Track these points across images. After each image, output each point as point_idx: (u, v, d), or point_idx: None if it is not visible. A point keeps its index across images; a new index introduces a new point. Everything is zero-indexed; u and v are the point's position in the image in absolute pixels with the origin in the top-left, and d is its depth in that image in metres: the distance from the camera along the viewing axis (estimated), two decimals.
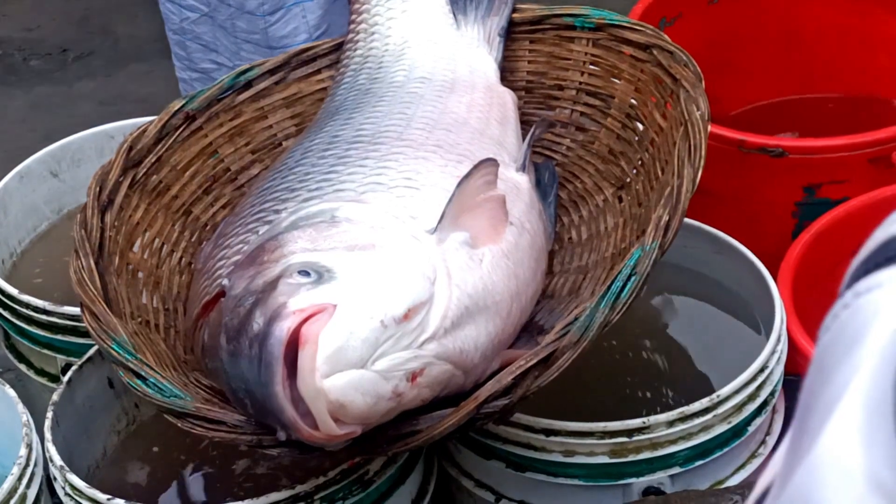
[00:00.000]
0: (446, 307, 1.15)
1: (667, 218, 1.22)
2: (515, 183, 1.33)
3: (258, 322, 1.11)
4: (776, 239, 1.69)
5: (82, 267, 1.31)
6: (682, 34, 1.62)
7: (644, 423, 1.28)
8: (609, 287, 1.18)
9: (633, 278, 1.18)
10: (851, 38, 1.95)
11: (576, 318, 1.17)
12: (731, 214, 1.66)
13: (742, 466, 1.37)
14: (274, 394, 1.07)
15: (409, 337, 1.12)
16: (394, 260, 1.17)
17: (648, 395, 1.49)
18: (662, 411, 1.39)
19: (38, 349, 1.52)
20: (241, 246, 1.27)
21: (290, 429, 1.08)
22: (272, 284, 1.14)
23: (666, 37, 1.42)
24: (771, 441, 1.40)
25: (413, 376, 1.12)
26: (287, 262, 1.17)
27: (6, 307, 1.52)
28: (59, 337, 1.49)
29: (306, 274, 1.14)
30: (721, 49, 1.93)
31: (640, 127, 1.42)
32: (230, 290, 1.18)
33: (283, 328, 1.09)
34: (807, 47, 1.97)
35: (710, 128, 1.30)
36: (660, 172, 1.34)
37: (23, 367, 1.58)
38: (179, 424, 1.17)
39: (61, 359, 1.50)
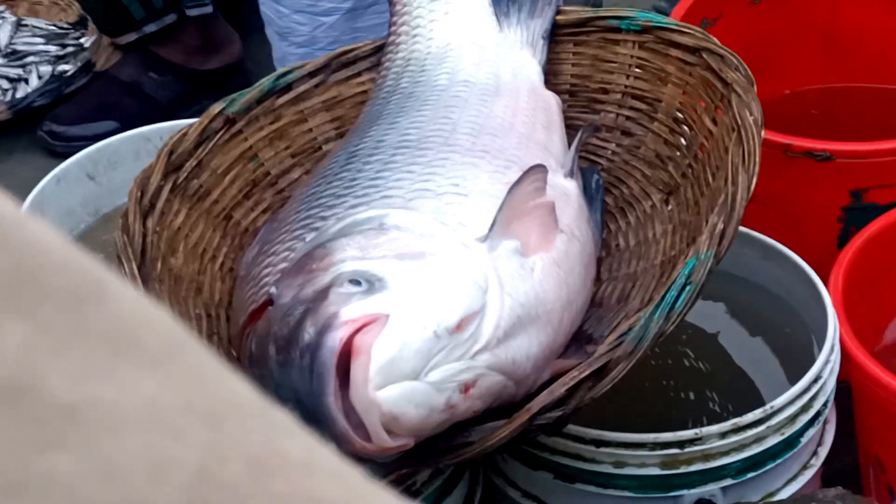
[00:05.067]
0: (499, 317, 1.13)
1: (722, 226, 1.20)
2: (564, 189, 1.31)
3: (309, 332, 1.09)
4: (821, 244, 1.67)
5: (125, 273, 1.29)
6: (723, 35, 1.59)
7: (696, 434, 1.26)
8: (663, 297, 1.16)
9: (687, 287, 1.16)
10: (894, 38, 1.92)
11: (630, 329, 1.15)
12: (775, 219, 1.63)
13: (794, 478, 1.35)
14: (326, 405, 1.06)
15: (462, 348, 1.10)
16: (445, 269, 1.15)
17: (695, 403, 1.47)
18: (710, 421, 1.37)
19: None
20: (287, 253, 1.25)
21: (342, 440, 1.06)
22: (322, 293, 1.12)
23: (715, 40, 1.40)
24: (823, 452, 1.38)
25: (466, 388, 1.10)
26: (336, 270, 1.15)
27: None
28: None
29: (357, 283, 1.12)
30: (761, 49, 1.91)
31: (689, 132, 1.40)
32: (278, 299, 1.16)
33: (336, 338, 1.07)
34: (848, 48, 1.95)
35: (763, 133, 1.28)
36: (710, 179, 1.32)
37: None
38: None
39: None
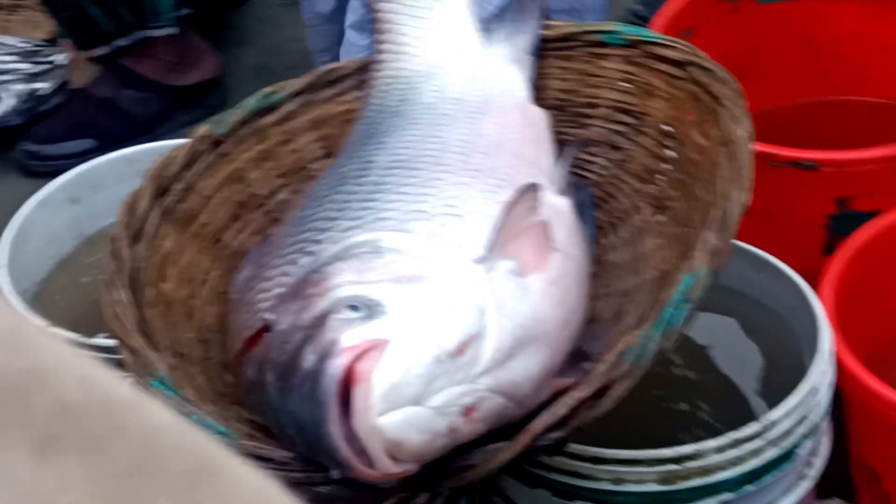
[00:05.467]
0: (498, 339, 1.13)
1: (716, 242, 1.20)
2: (556, 207, 1.31)
3: (309, 359, 1.09)
4: (806, 252, 1.68)
5: (116, 300, 1.28)
6: (702, 44, 1.60)
7: (695, 449, 1.26)
8: (661, 314, 1.16)
9: (685, 305, 1.16)
10: (873, 45, 1.93)
11: (628, 348, 1.15)
12: (760, 228, 1.63)
13: (790, 490, 1.35)
14: (328, 432, 1.05)
15: (463, 371, 1.10)
16: (443, 292, 1.15)
17: (685, 414, 1.47)
18: (701, 433, 1.37)
19: None
20: (281, 277, 1.24)
21: (345, 467, 1.06)
22: (321, 319, 1.12)
23: (703, 53, 1.40)
24: (818, 463, 1.38)
25: (468, 411, 1.10)
26: (334, 295, 1.14)
27: None
28: None
29: (355, 308, 1.12)
30: (740, 57, 1.91)
31: (678, 145, 1.40)
32: (275, 325, 1.15)
33: (336, 366, 1.07)
34: (827, 54, 1.96)
35: (755, 147, 1.28)
36: (702, 193, 1.32)
37: None
38: None
39: None
